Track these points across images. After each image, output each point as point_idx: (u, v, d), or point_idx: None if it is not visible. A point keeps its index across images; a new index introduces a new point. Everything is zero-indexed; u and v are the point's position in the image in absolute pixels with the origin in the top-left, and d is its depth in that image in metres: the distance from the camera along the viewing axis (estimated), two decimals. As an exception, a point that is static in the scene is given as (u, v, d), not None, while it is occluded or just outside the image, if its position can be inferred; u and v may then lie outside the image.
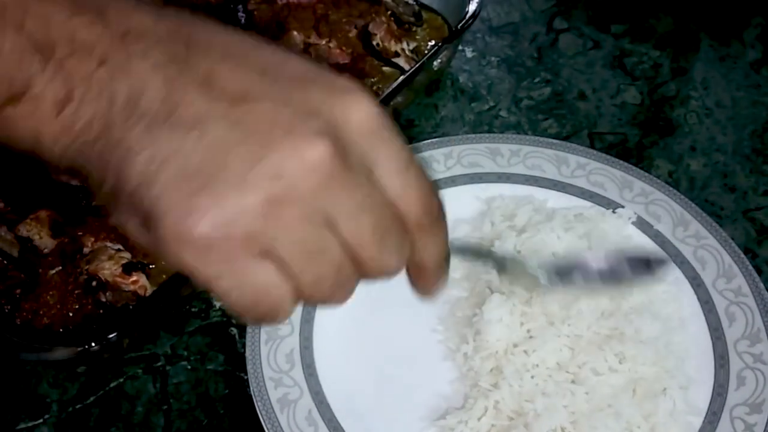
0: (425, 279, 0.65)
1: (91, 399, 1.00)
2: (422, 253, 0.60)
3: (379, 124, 0.54)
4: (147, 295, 1.00)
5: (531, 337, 0.97)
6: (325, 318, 1.02)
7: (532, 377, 0.95)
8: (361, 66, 1.24)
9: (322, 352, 1.00)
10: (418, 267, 0.63)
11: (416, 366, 1.00)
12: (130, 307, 0.98)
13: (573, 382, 0.95)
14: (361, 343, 1.02)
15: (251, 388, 0.95)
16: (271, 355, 0.98)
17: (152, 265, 1.03)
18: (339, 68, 1.22)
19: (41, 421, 0.99)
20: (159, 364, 1.03)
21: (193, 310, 1.07)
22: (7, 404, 1.00)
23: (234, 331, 1.05)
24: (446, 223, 0.61)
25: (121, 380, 1.02)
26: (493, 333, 0.97)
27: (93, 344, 0.93)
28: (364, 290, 1.05)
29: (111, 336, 0.93)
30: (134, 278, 1.00)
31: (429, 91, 1.30)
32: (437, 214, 0.59)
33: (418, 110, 1.28)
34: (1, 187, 1.09)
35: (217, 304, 1.08)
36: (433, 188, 0.58)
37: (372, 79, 1.23)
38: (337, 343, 1.01)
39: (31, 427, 0.98)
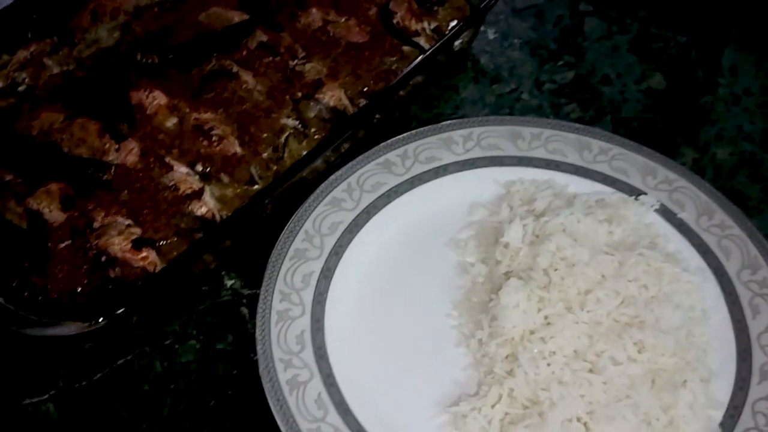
0: None
1: (98, 376, 0.99)
2: None
3: None
4: (156, 271, 0.98)
5: (548, 323, 0.94)
6: (337, 300, 1.00)
7: (549, 365, 0.92)
8: (380, 45, 1.21)
9: (333, 335, 0.97)
10: None
11: (429, 351, 0.98)
12: (139, 283, 0.96)
13: (590, 371, 0.92)
14: (373, 326, 0.99)
15: (260, 369, 0.93)
16: (282, 336, 0.96)
17: (163, 241, 1.01)
18: (357, 47, 1.20)
19: (47, 396, 0.97)
20: (167, 342, 1.01)
21: (203, 288, 1.05)
22: (13, 379, 0.99)
23: (245, 311, 1.03)
24: None
25: (129, 358, 1.00)
26: (509, 319, 0.95)
27: (101, 319, 0.91)
28: (377, 273, 1.04)
29: (119, 311, 0.92)
30: (144, 254, 0.98)
31: (449, 72, 1.28)
32: None
33: (438, 91, 1.26)
34: (12, 158, 1.07)
35: (228, 283, 1.06)
36: None
37: (391, 59, 1.20)
38: (349, 326, 0.99)
39: (36, 403, 0.97)
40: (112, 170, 1.06)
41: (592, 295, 0.96)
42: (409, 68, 1.13)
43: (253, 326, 0.97)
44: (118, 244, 0.99)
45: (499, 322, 0.95)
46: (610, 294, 0.96)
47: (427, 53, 1.15)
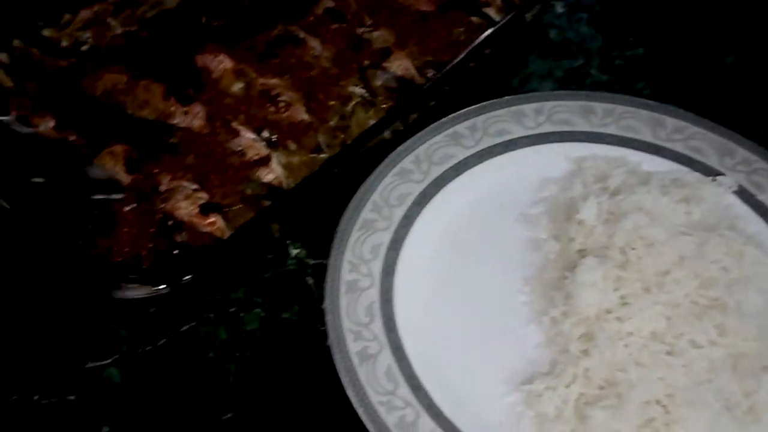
0: None
1: (162, 341, 0.97)
2: None
3: None
4: (224, 237, 0.96)
5: (625, 303, 0.92)
6: (405, 272, 0.98)
7: (626, 346, 0.89)
8: (449, 14, 1.18)
9: (402, 307, 0.95)
10: None
11: (500, 327, 0.95)
12: (210, 249, 0.94)
13: (669, 353, 0.89)
14: (442, 299, 0.97)
15: (330, 339, 0.91)
16: (351, 307, 0.94)
17: (230, 207, 0.99)
18: (425, 16, 1.17)
19: (110, 360, 0.96)
20: (232, 309, 0.99)
21: (269, 257, 1.03)
22: (76, 342, 0.97)
23: (310, 281, 1.02)
24: None
25: (194, 324, 0.98)
26: (584, 297, 0.92)
27: (167, 285, 0.89)
28: (445, 246, 1.02)
29: (186, 278, 0.90)
30: (211, 219, 0.97)
31: (518, 45, 1.24)
32: None
33: (506, 64, 1.22)
34: (77, 119, 1.06)
35: (293, 252, 1.04)
36: None
37: (459, 29, 1.17)
38: (418, 299, 0.96)
39: (99, 367, 0.95)
40: (178, 134, 1.04)
41: (670, 276, 0.93)
42: (480, 39, 1.10)
43: (320, 296, 0.95)
44: (185, 209, 0.97)
45: (574, 301, 0.92)
46: (689, 275, 0.93)
47: (498, 25, 1.13)
